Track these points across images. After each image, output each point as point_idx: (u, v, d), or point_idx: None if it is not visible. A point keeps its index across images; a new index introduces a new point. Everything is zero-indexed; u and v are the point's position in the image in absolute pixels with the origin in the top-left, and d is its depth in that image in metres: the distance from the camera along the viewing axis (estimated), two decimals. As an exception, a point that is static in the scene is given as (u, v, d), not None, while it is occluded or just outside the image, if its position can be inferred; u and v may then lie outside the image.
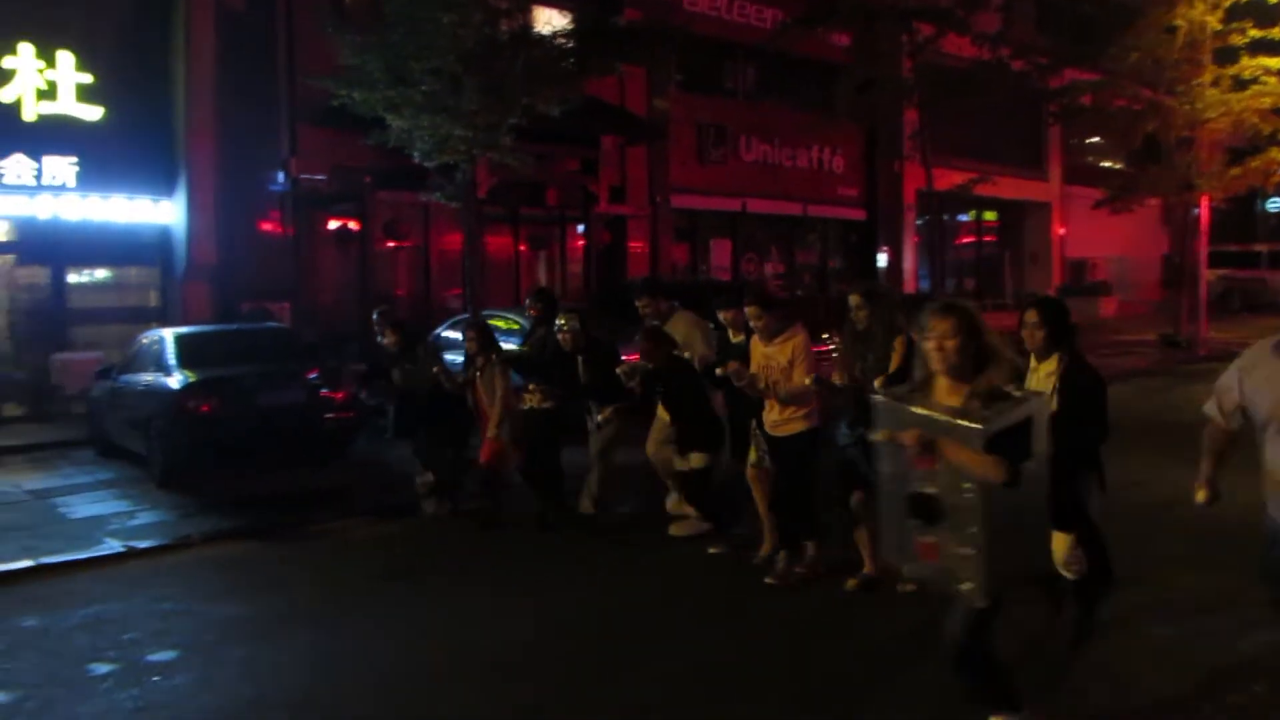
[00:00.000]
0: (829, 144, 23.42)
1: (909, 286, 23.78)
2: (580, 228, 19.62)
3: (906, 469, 3.41)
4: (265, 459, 9.52)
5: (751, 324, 6.09)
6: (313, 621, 5.91)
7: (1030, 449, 3.31)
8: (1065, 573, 4.76)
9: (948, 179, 21.88)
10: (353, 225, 16.49)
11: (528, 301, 8.66)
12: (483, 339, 7.87)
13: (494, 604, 6.08)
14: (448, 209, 13.71)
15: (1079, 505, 4.73)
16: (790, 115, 22.56)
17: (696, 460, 6.79)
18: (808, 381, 5.79)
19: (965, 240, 28.84)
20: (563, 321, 7.38)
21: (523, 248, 19.16)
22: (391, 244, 17.17)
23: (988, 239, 29.73)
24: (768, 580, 6.05)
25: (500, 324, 11.38)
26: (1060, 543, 4.64)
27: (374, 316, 8.80)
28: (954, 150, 22.91)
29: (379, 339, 8.67)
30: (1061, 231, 29.68)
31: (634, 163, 19.68)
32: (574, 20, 14.47)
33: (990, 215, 28.94)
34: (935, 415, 3.32)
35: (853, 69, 18.89)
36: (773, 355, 5.98)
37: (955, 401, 3.34)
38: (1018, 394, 3.41)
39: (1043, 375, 4.71)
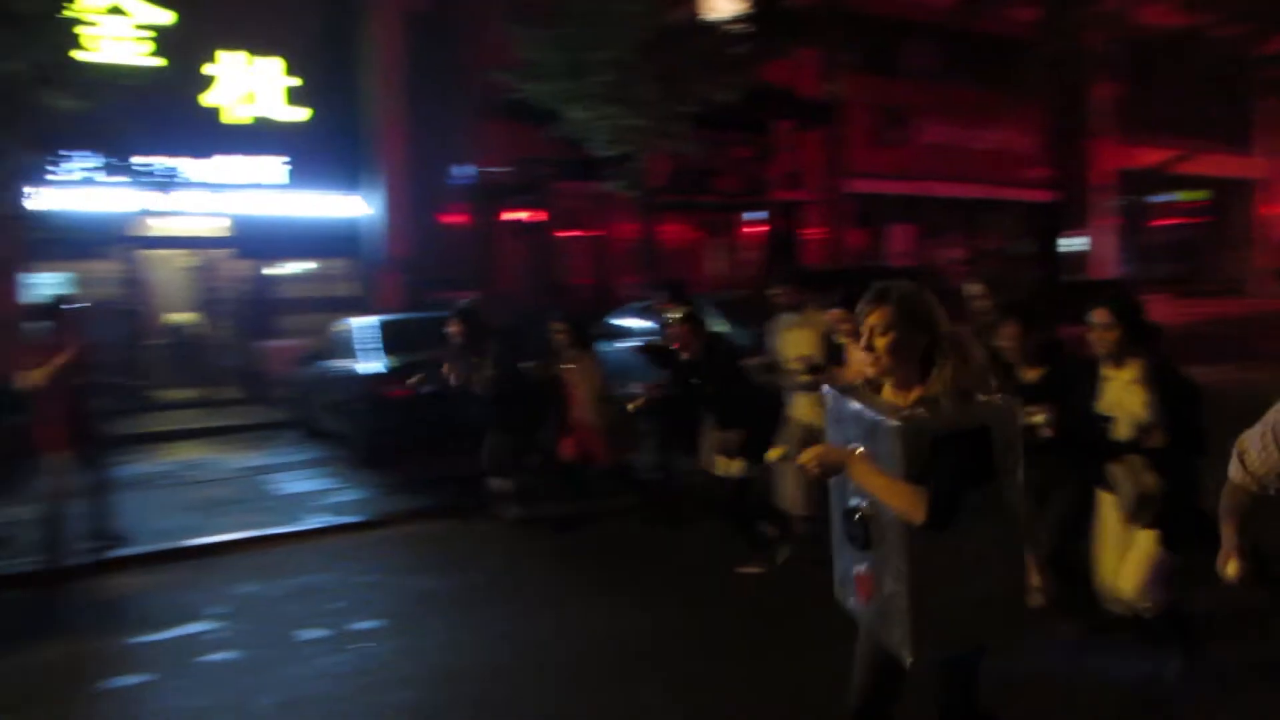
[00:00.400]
0: (1013, 123, 22.53)
1: (1105, 272, 22.66)
2: (755, 214, 19.58)
3: (844, 478, 2.79)
4: (457, 441, 9.93)
5: (840, 328, 5.67)
6: (505, 598, 6.19)
7: (989, 470, 2.57)
8: (1140, 608, 4.11)
9: (1144, 157, 20.72)
10: (533, 215, 16.99)
11: (655, 293, 8.28)
12: (574, 332, 7.52)
13: (652, 595, 6.19)
14: (624, 198, 13.95)
15: (1195, 523, 3.95)
16: (971, 95, 21.82)
17: (735, 468, 6.22)
18: None
19: (1165, 222, 27.20)
20: (676, 316, 6.77)
21: (698, 235, 19.28)
22: (570, 233, 17.59)
23: (1190, 220, 27.95)
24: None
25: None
26: (1137, 567, 4.04)
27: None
28: (1150, 126, 21.67)
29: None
30: (1274, 211, 27.63)
31: (809, 148, 19.49)
32: (746, 5, 14.44)
33: (1194, 195, 27.19)
34: (866, 412, 2.70)
35: (1039, 44, 18.12)
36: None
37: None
38: (984, 400, 2.64)
39: (1122, 384, 4.07)
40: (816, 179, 19.61)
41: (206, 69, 14.48)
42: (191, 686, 4.98)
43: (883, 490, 2.56)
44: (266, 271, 15.87)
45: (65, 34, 8.28)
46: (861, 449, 2.68)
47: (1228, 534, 3.00)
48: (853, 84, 19.68)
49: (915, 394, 2.64)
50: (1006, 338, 4.83)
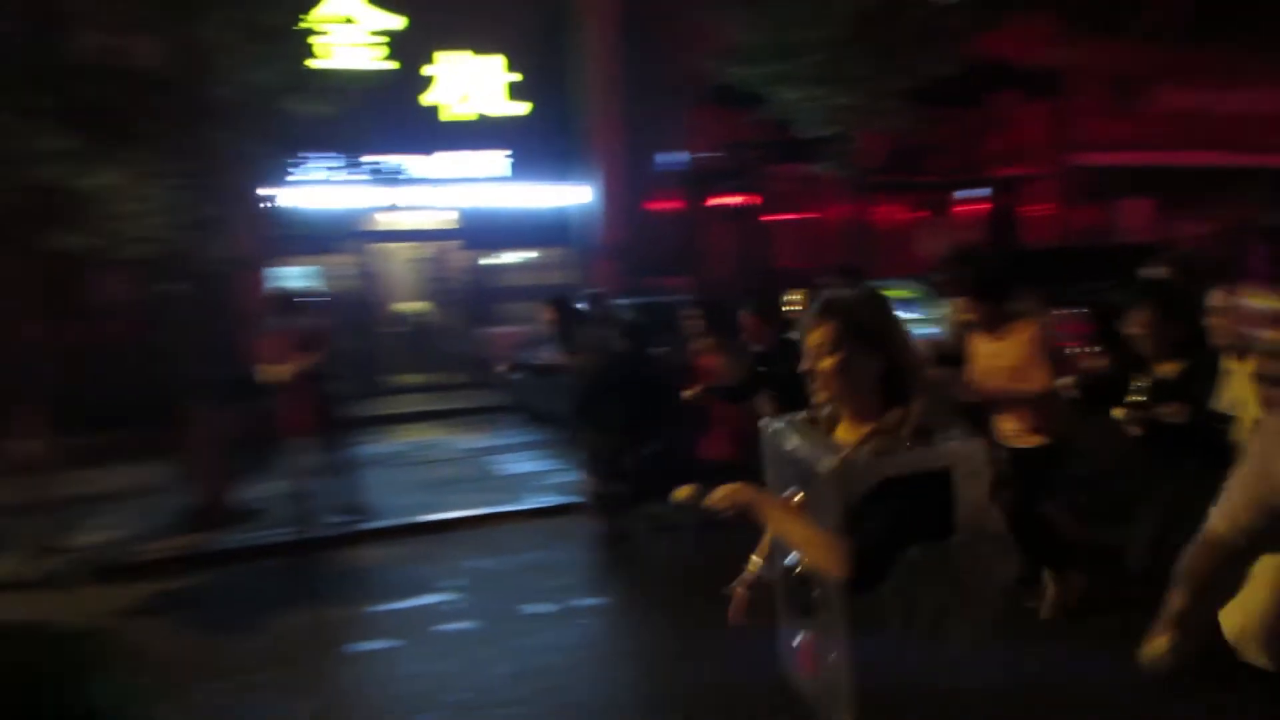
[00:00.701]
0: (1267, 83, 20.66)
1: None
2: (974, 192, 18.83)
3: None
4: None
5: (967, 317, 5.11)
6: (723, 582, 6.17)
7: (943, 523, 2.12)
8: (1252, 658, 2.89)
9: None
10: (742, 200, 16.95)
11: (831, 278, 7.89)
12: (713, 318, 6.93)
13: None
14: (835, 179, 13.68)
15: None
16: (1217, 54, 20.12)
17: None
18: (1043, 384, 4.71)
19: None
20: (793, 299, 6.29)
21: (912, 215, 18.72)
22: (781, 217, 17.44)
23: None
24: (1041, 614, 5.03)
25: (894, 294, 11.19)
26: (1254, 606, 2.75)
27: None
28: None
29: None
30: None
31: (1032, 119, 18.53)
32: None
33: None
34: (802, 451, 2.27)
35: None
36: (1000, 353, 4.92)
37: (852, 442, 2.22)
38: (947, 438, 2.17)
39: (1245, 377, 3.50)
40: (1041, 152, 18.63)
41: (429, 69, 15.19)
42: (431, 653, 5.24)
43: (800, 538, 2.16)
44: (485, 261, 16.50)
45: (304, 44, 8.84)
46: (799, 494, 2.29)
47: (1177, 600, 2.30)
48: (1082, 50, 18.53)
49: (870, 428, 2.21)
50: (1137, 325, 4.16)
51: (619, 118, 15.79)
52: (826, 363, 2.22)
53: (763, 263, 16.64)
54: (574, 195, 16.16)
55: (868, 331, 2.20)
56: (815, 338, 2.23)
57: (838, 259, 16.62)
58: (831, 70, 11.29)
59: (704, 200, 16.68)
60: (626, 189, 15.90)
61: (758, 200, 17.03)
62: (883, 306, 2.27)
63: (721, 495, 2.29)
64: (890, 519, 2.06)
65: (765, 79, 11.72)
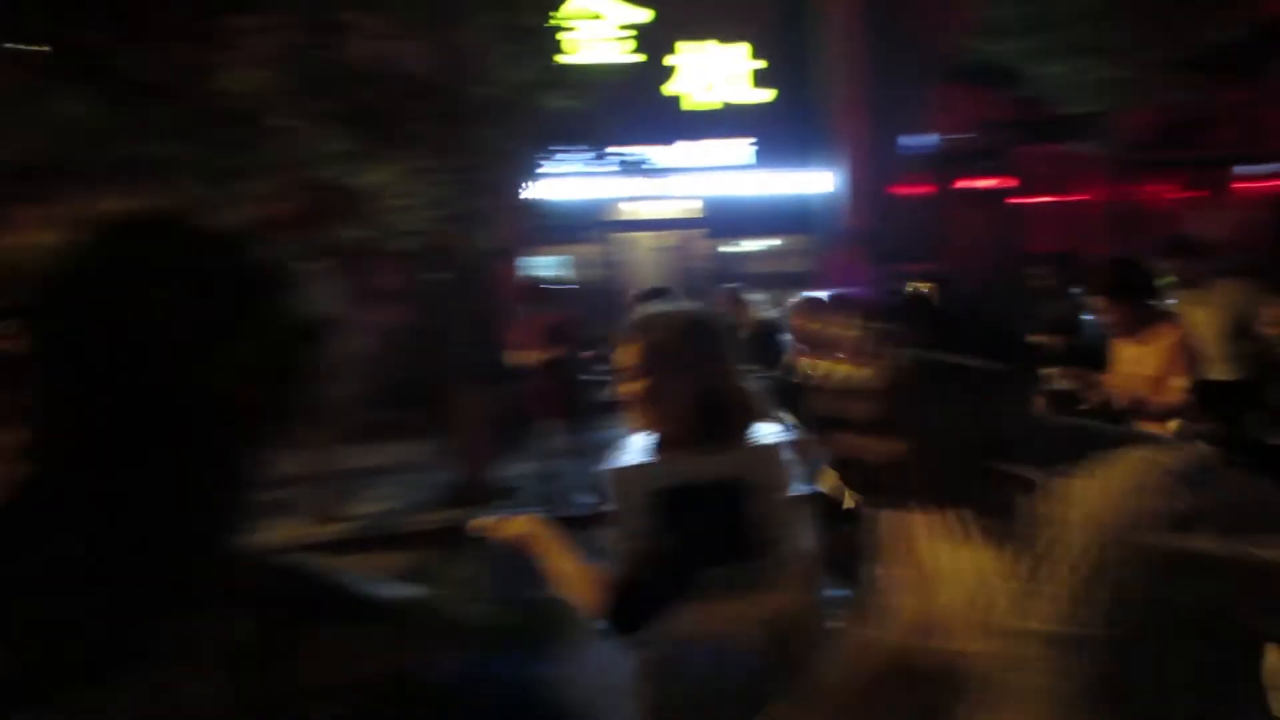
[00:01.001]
0: None
1: None
2: (1258, 169, 17.23)
3: None
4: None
5: (1102, 320, 4.51)
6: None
7: (736, 543, 1.84)
8: None
9: None
10: (995, 182, 16.26)
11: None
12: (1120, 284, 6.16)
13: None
14: (1099, 158, 12.89)
15: None
16: None
17: None
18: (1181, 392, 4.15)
19: None
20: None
21: (1183, 195, 17.34)
22: (1037, 199, 16.62)
23: None
24: None
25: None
26: None
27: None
28: None
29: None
30: None
31: (1332, 85, 16.74)
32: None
33: None
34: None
35: None
36: (1141, 359, 4.39)
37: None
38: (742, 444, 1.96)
39: None
40: (1340, 121, 16.80)
41: (672, 59, 15.42)
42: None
43: (563, 576, 1.97)
44: (729, 249, 16.61)
45: (555, 42, 9.22)
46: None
47: None
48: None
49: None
50: (1274, 321, 3.64)
51: (863, 101, 15.51)
52: (634, 386, 2.02)
53: (1015, 248, 15.90)
54: (818, 182, 16.03)
55: (676, 358, 1.99)
56: (624, 358, 2.03)
57: (1098, 244, 15.66)
58: (1095, 41, 10.64)
59: (953, 183, 16.11)
60: (871, 174, 15.61)
61: (1012, 182, 16.28)
62: (702, 328, 2.06)
63: (507, 529, 2.15)
64: (666, 547, 1.87)
65: (1021, 54, 11.20)
